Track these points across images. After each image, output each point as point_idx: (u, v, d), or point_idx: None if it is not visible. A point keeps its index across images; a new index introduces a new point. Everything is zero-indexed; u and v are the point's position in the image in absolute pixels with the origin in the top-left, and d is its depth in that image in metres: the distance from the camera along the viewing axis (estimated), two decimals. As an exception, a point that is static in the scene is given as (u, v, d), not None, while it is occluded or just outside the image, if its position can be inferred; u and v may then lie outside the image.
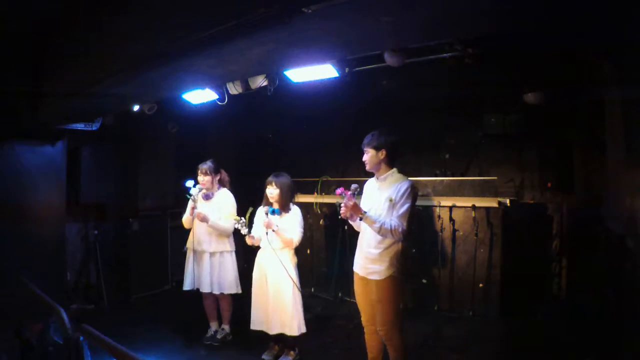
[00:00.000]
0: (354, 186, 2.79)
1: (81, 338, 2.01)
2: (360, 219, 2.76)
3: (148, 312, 5.01)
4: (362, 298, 2.95)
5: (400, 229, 2.67)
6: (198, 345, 3.95)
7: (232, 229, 3.83)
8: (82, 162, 5.09)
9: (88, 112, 4.43)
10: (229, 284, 3.89)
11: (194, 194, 3.79)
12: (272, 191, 3.47)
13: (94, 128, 4.85)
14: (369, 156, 2.85)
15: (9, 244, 4.13)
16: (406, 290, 4.76)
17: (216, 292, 3.87)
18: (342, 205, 2.74)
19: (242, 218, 3.45)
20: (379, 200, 2.82)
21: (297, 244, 3.47)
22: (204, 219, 3.74)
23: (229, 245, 3.93)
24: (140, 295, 5.40)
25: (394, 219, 2.71)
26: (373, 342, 2.98)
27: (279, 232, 3.39)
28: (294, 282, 3.42)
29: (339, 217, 2.89)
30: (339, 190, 2.83)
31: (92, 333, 1.98)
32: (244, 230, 3.41)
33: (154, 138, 6.06)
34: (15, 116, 3.98)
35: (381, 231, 2.69)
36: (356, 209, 2.72)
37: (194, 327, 4.21)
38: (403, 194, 2.73)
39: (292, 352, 3.58)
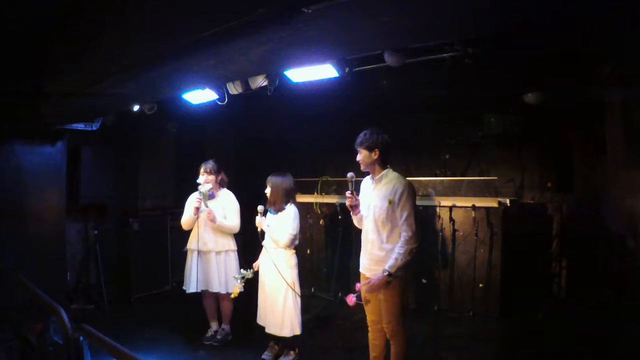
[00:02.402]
0: (349, 174, 2.82)
1: (81, 338, 2.01)
2: (389, 283, 2.74)
3: (148, 312, 5.00)
4: (369, 298, 2.95)
5: (410, 234, 2.69)
6: (198, 345, 3.95)
7: (237, 228, 3.88)
8: (82, 162, 5.08)
9: (88, 112, 4.43)
10: (233, 282, 3.90)
11: (204, 191, 3.75)
12: (266, 190, 3.54)
13: (94, 128, 4.85)
14: (362, 156, 2.84)
15: (9, 244, 4.13)
16: (407, 290, 4.76)
17: (223, 291, 3.88)
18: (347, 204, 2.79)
19: (242, 272, 3.55)
20: (376, 200, 2.82)
21: (286, 245, 3.42)
22: (213, 219, 3.74)
23: (233, 244, 3.95)
24: (140, 295, 5.40)
25: (402, 232, 2.72)
26: (377, 342, 2.99)
27: (269, 231, 3.45)
28: (287, 283, 3.42)
29: (339, 217, 2.91)
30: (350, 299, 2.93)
31: (92, 333, 1.98)
32: (249, 274, 3.55)
33: (154, 138, 6.06)
34: (15, 116, 3.98)
35: (405, 259, 2.67)
36: (377, 287, 2.73)
37: (194, 327, 4.21)
38: (401, 197, 2.73)
39: (292, 352, 3.58)
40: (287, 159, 6.16)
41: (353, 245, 3.09)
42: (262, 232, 3.52)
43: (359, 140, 2.85)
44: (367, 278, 2.90)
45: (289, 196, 3.55)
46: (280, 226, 3.45)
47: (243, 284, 3.55)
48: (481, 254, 4.58)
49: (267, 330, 3.50)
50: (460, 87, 4.49)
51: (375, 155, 2.81)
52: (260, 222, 3.45)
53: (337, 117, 5.59)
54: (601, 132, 3.89)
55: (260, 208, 3.47)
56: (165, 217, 5.91)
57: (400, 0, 1.80)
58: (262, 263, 3.57)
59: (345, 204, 2.94)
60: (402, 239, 2.71)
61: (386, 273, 2.68)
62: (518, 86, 4.30)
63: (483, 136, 5.05)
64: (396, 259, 2.68)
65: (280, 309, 3.42)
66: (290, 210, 3.49)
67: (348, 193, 2.84)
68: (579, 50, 3.34)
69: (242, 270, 3.57)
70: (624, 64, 2.87)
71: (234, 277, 3.60)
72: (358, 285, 2.93)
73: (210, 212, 3.74)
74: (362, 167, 2.88)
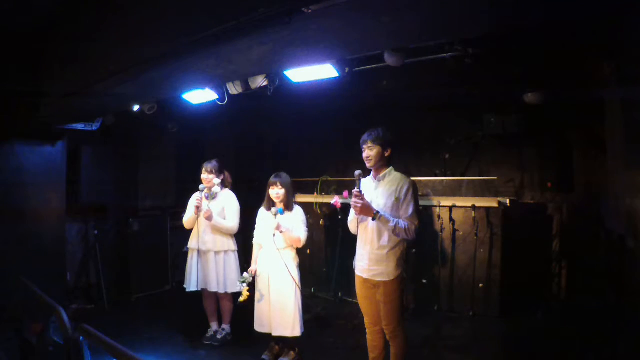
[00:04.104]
0: (357, 172, 2.77)
1: (81, 338, 2.01)
2: (373, 219, 2.73)
3: (148, 312, 5.01)
4: (367, 300, 2.93)
5: (414, 227, 2.69)
6: (198, 345, 3.95)
7: (235, 229, 3.88)
8: (82, 162, 5.09)
9: (88, 112, 4.44)
10: (233, 282, 3.90)
11: (206, 192, 3.84)
12: (278, 191, 3.48)
13: (94, 128, 4.86)
14: (374, 153, 2.79)
15: (9, 244, 4.14)
16: (407, 290, 4.77)
17: (221, 291, 3.88)
18: (353, 203, 2.73)
19: (245, 276, 3.52)
20: (380, 198, 2.81)
21: (304, 242, 3.49)
22: (209, 217, 3.76)
23: (232, 244, 3.95)
24: (141, 295, 5.40)
25: (405, 220, 2.71)
26: (375, 343, 2.97)
27: (287, 232, 3.41)
28: (296, 282, 3.43)
29: (339, 217, 2.91)
30: (335, 200, 2.86)
31: (92, 333, 1.98)
32: (249, 278, 3.50)
33: (154, 138, 6.06)
34: (15, 116, 3.99)
35: (396, 230, 2.68)
36: (368, 210, 2.71)
37: (194, 327, 4.21)
38: (406, 193, 2.73)
39: (292, 352, 3.58)
40: (287, 159, 6.16)
41: (353, 245, 3.08)
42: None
43: (370, 137, 2.81)
44: (364, 280, 2.90)
45: (294, 195, 3.62)
46: (294, 225, 3.46)
47: (247, 287, 3.54)
48: (481, 254, 4.58)
49: (275, 334, 3.46)
50: (460, 87, 4.49)
51: (387, 153, 2.81)
52: (280, 225, 3.39)
53: (337, 117, 5.59)
54: (601, 132, 3.88)
55: (274, 210, 3.41)
56: (165, 217, 5.91)
57: (400, 0, 1.80)
58: (267, 265, 3.51)
59: (349, 203, 2.91)
60: (407, 222, 2.70)
61: (376, 213, 2.69)
62: (518, 86, 4.30)
63: (483, 136, 5.04)
64: (395, 221, 2.67)
65: (292, 309, 3.41)
66: (299, 209, 3.55)
67: (355, 191, 2.75)
68: (578, 49, 3.34)
69: (244, 273, 3.55)
70: (624, 64, 2.87)
71: (239, 281, 3.56)
72: (346, 193, 2.95)
73: (207, 210, 3.76)
74: (371, 164, 2.83)
